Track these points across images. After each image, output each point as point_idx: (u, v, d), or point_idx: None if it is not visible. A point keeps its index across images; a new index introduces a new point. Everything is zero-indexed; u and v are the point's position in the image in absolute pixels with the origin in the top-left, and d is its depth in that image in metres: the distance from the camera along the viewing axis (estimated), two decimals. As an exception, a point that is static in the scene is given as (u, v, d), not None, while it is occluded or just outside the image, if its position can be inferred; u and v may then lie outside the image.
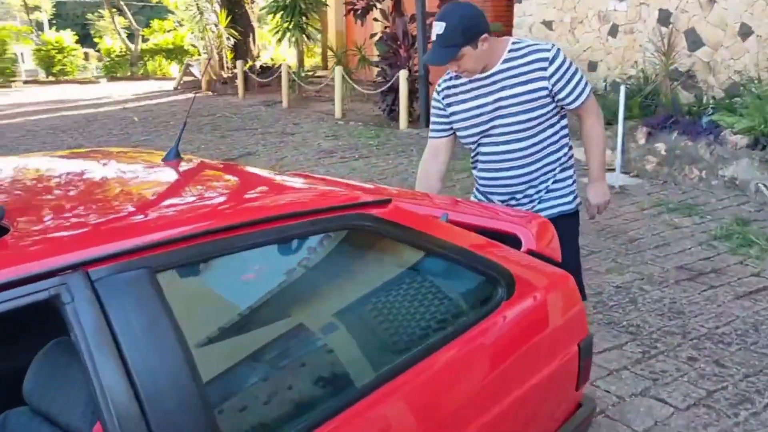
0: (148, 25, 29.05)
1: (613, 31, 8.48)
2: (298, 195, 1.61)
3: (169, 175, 1.77)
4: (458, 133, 2.64)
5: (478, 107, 2.55)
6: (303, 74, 14.98)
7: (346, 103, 11.82)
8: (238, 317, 1.36)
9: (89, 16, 32.16)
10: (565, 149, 2.66)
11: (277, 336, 1.41)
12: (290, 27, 13.74)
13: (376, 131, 9.99)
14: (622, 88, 6.90)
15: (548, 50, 2.50)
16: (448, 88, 2.62)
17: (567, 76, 2.51)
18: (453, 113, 2.61)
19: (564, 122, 2.64)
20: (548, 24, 9.36)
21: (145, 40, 28.08)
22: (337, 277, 1.58)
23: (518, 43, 2.55)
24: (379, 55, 11.18)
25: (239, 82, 14.85)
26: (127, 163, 1.91)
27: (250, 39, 16.66)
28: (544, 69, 2.47)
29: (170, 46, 27.39)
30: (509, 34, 9.74)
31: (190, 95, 15.95)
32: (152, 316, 1.20)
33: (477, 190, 2.75)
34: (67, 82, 24.51)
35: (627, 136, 6.94)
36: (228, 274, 1.37)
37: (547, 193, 2.64)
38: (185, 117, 2.06)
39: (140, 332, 1.18)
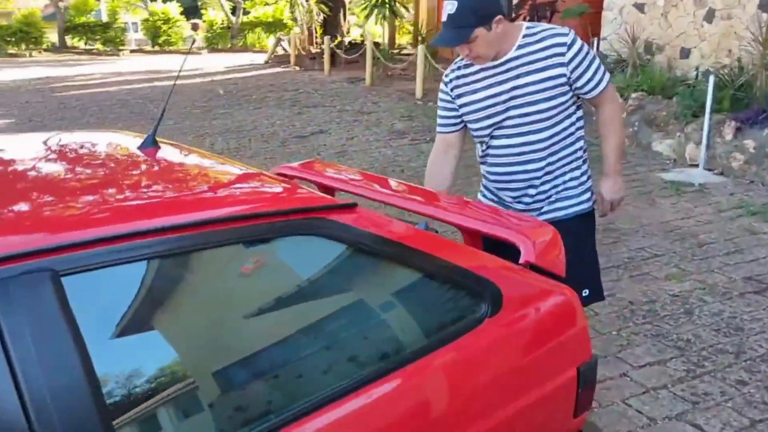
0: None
1: (710, 17, 7.89)
2: (248, 195, 1.51)
3: (127, 167, 1.69)
4: (469, 126, 2.46)
5: (491, 97, 2.37)
6: (390, 52, 14.85)
7: (428, 83, 11.63)
8: (149, 328, 1.28)
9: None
10: (581, 142, 2.47)
11: (196, 357, 1.32)
12: (377, 3, 13.61)
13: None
14: (711, 78, 6.42)
15: (565, 35, 2.33)
16: (458, 78, 2.45)
17: (586, 63, 2.33)
18: (463, 105, 2.43)
19: (580, 113, 2.45)
20: (640, 7, 8.82)
21: (246, 13, 28.69)
22: (280, 288, 1.47)
23: (533, 27, 2.38)
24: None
25: (325, 57, 14.87)
26: (94, 151, 1.85)
27: (340, 15, 16.64)
28: (562, 54, 2.30)
29: (270, 20, 27.90)
30: (598, 17, 9.28)
31: (279, 70, 16.15)
32: (50, 322, 1.14)
33: (485, 187, 2.58)
34: (170, 52, 25.41)
35: (713, 131, 6.47)
36: (147, 280, 1.29)
37: (563, 190, 2.45)
38: (165, 101, 1.98)
39: (35, 340, 1.12)
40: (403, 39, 19.00)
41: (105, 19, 27.76)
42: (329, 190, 2.37)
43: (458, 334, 1.67)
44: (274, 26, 27.53)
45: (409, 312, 1.66)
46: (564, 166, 2.43)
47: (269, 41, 26.31)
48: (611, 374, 3.17)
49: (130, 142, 1.87)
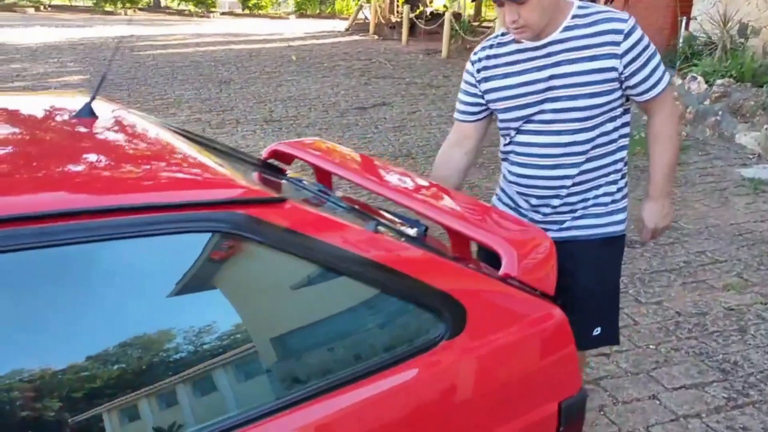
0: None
1: (816, -3, 7.13)
2: (147, 183, 1.28)
3: (36, 137, 1.49)
4: (497, 115, 2.12)
5: (524, 84, 2.01)
6: (470, 24, 14.35)
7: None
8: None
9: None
10: (623, 152, 2.09)
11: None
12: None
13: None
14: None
15: (624, 21, 1.94)
16: (488, 57, 2.08)
17: (644, 57, 1.95)
18: (490, 90, 2.08)
19: (626, 118, 2.07)
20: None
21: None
22: (182, 293, 1.25)
23: (585, 8, 1.99)
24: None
25: (404, 27, 14.51)
26: (24, 116, 1.66)
27: (425, -18, 16.21)
28: (617, 44, 1.92)
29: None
30: (690, -7, 8.56)
31: (357, 38, 15.91)
32: None
33: (502, 189, 2.22)
34: (259, 16, 25.56)
35: (805, 125, 5.84)
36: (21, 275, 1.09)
37: (593, 206, 2.09)
38: (107, 67, 1.78)
39: None
40: (493, 12, 18.36)
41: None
42: (322, 173, 2.13)
43: (403, 358, 1.42)
44: (363, -8, 27.25)
45: (339, 330, 1.42)
46: (599, 177, 2.07)
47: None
48: (639, 395, 2.84)
49: (72, 108, 1.67)
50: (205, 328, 1.25)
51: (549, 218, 2.12)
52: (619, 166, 2.09)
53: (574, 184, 2.06)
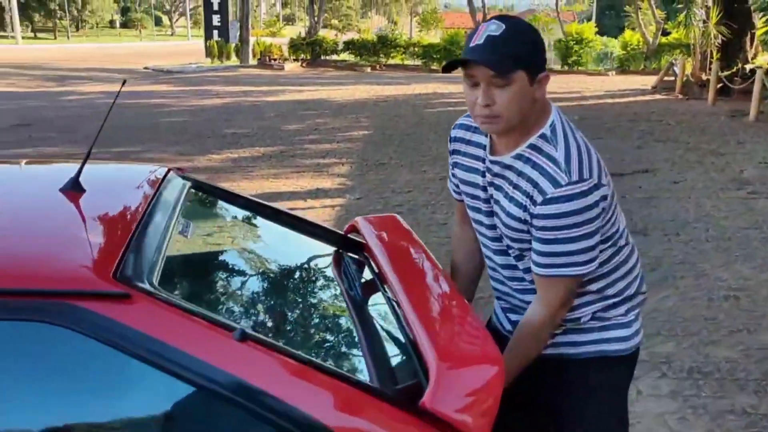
0: (671, 18, 27.87)
1: None
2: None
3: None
4: None
5: (475, 190, 1.81)
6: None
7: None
8: None
9: (627, 8, 32.32)
10: (607, 280, 1.77)
11: None
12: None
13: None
14: None
15: (559, 184, 1.58)
16: (461, 141, 1.86)
17: (550, 235, 1.62)
18: (457, 177, 1.88)
19: (609, 251, 1.73)
20: None
21: (665, 34, 27.06)
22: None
23: (553, 132, 1.65)
24: None
25: (710, 85, 13.20)
26: (14, 186, 1.88)
27: (746, 38, 14.56)
28: (534, 203, 1.62)
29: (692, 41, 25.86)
30: None
31: (660, 97, 14.87)
32: None
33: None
34: (577, 72, 25.38)
35: None
36: None
37: (569, 321, 1.78)
38: (101, 125, 1.93)
39: None
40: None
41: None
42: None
43: None
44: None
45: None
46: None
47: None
48: None
49: (62, 180, 1.83)
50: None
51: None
52: (609, 291, 1.77)
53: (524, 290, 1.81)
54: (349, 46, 26.12)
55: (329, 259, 2.18)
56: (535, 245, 1.65)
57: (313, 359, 1.46)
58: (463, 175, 1.85)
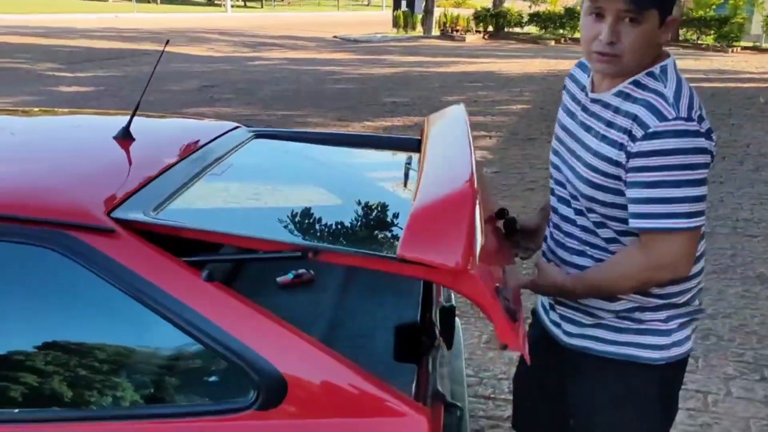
0: None
1: None
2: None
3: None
4: None
5: (562, 132, 1.71)
6: None
7: None
8: None
9: None
10: None
11: None
12: None
13: None
14: None
15: (664, 117, 1.44)
16: (571, 78, 1.76)
17: (654, 177, 1.45)
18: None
19: None
20: None
21: None
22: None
23: (663, 72, 1.52)
24: None
25: None
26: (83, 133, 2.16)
27: None
28: (633, 139, 1.47)
29: None
30: None
31: None
32: None
33: None
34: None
35: None
36: None
37: (606, 317, 1.69)
38: (142, 92, 2.15)
39: None
40: None
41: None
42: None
43: (194, 412, 1.44)
44: None
45: (130, 363, 1.56)
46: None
47: None
48: None
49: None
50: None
51: (550, 316, 1.83)
52: (657, 288, 1.61)
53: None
54: (534, 18, 25.44)
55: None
56: (631, 192, 1.48)
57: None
58: (559, 117, 1.76)
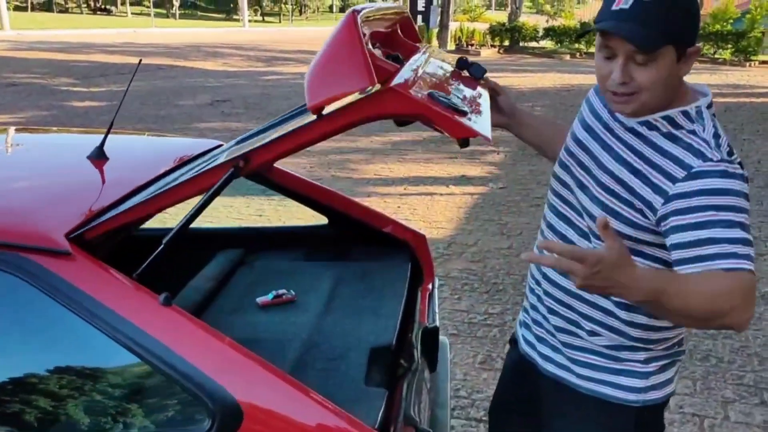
0: None
1: None
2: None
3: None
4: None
5: (576, 146, 1.61)
6: None
7: None
8: None
9: None
10: (651, 319, 1.53)
11: None
12: None
13: None
14: None
15: (706, 158, 1.36)
16: (596, 91, 1.63)
17: (702, 217, 1.32)
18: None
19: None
20: None
21: None
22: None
23: (699, 114, 1.44)
24: None
25: None
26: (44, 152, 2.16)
27: None
28: (672, 180, 1.38)
29: None
30: None
31: None
32: None
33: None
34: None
35: None
36: None
37: (577, 350, 1.63)
38: (115, 111, 2.13)
39: None
40: None
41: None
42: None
43: None
44: None
45: (82, 389, 1.54)
46: (593, 318, 1.57)
47: None
48: None
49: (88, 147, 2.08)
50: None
51: (532, 329, 1.76)
52: (637, 333, 1.55)
53: (555, 301, 1.64)
54: (549, 33, 25.41)
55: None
56: (676, 237, 1.34)
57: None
58: (573, 130, 1.65)
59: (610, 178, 1.49)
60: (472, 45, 25.26)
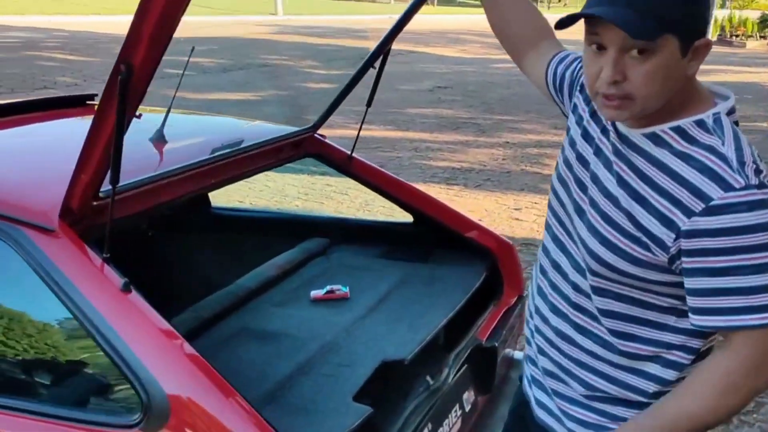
0: None
1: None
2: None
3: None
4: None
5: (573, 155, 1.36)
6: None
7: None
8: None
9: None
10: (667, 358, 1.29)
11: None
12: None
13: None
14: None
15: (730, 187, 1.11)
16: (587, 101, 1.36)
17: (720, 263, 1.12)
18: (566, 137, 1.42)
19: (680, 322, 1.26)
20: None
21: None
22: None
23: (717, 123, 1.18)
24: None
25: None
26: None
27: None
28: (688, 213, 1.14)
29: None
30: None
31: None
32: None
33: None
34: None
35: None
36: None
37: (563, 400, 1.43)
38: (172, 98, 2.16)
39: None
40: None
41: None
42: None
43: (78, 419, 1.50)
44: None
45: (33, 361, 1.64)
46: (592, 365, 1.35)
47: None
48: None
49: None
50: None
51: (535, 371, 1.53)
52: (644, 385, 1.32)
53: (560, 337, 1.40)
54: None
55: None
56: (692, 282, 1.15)
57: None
58: (567, 148, 1.39)
59: (610, 204, 1.25)
60: (737, 36, 22.71)
